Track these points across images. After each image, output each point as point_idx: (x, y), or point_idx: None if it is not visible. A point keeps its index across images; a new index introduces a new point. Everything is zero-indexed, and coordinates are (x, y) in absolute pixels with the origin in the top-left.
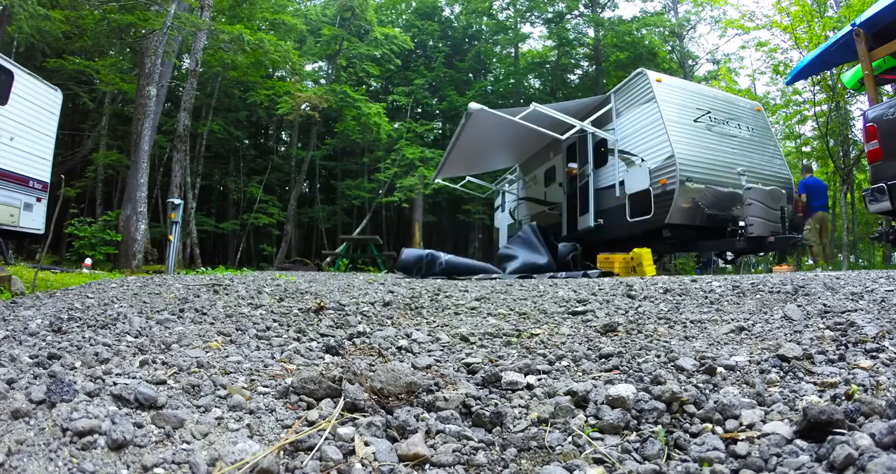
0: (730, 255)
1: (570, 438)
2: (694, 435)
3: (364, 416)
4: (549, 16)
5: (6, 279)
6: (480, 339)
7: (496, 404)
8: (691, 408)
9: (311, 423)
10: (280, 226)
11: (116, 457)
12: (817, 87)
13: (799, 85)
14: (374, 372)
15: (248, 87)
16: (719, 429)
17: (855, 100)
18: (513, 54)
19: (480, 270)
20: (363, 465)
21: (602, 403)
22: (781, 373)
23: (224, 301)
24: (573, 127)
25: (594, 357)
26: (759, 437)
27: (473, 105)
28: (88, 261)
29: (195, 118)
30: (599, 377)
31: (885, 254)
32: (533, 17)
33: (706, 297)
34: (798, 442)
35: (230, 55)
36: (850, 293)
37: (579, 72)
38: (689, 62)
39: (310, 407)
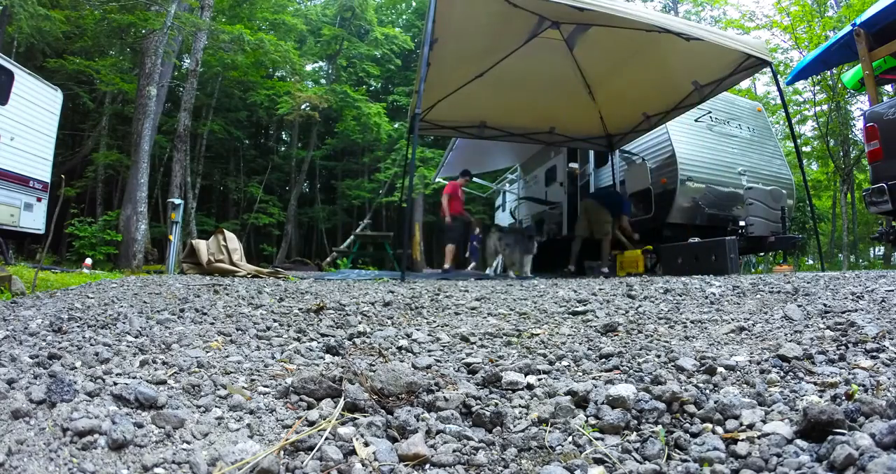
0: None
1: (570, 438)
2: (694, 435)
3: (364, 416)
4: None
5: (6, 279)
6: (481, 339)
7: (496, 404)
8: (691, 408)
9: (311, 423)
10: (280, 226)
11: (116, 457)
12: (817, 87)
13: (799, 85)
14: (374, 372)
15: (249, 87)
16: (719, 429)
17: (855, 100)
18: None
19: None
20: (363, 465)
21: (602, 403)
22: (782, 373)
23: (224, 301)
24: None
25: (594, 357)
26: (759, 437)
27: None
28: (89, 261)
29: (195, 118)
30: (600, 377)
31: (885, 253)
32: None
33: (706, 297)
34: (798, 442)
35: (230, 55)
36: (851, 293)
37: None
38: None
39: (310, 407)
